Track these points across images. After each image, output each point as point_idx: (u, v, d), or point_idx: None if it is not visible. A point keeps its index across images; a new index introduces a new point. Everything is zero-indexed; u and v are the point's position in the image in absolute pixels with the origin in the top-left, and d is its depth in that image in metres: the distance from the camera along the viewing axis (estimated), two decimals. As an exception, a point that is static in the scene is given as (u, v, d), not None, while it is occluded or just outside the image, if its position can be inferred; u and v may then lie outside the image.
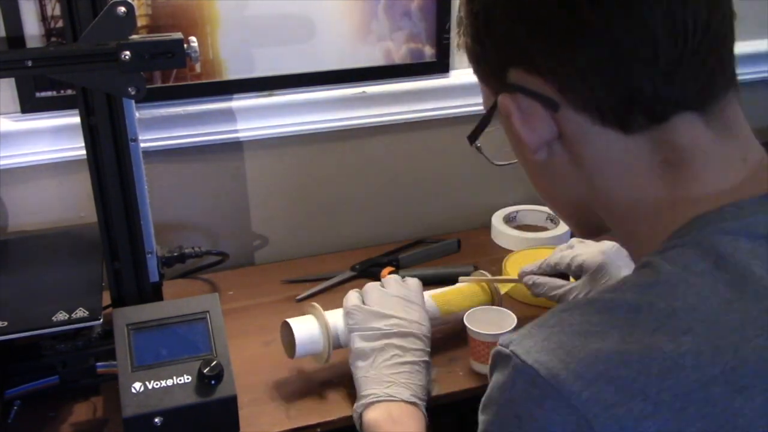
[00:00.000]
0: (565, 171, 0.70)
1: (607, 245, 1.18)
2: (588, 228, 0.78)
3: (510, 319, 1.18)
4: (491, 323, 1.18)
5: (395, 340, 1.06)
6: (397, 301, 1.11)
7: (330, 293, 1.43)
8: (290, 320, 1.14)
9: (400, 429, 0.98)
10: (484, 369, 1.18)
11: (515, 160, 0.78)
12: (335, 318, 1.15)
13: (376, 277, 1.45)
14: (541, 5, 0.64)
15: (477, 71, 0.73)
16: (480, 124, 0.75)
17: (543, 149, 0.69)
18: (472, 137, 0.78)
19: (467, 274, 1.35)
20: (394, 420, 0.99)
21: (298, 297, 1.40)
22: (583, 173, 0.69)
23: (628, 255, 0.75)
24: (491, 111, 0.72)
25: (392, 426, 0.98)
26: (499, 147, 0.82)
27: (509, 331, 1.15)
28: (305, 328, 1.13)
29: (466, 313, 1.19)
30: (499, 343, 0.63)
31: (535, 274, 1.24)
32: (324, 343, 1.13)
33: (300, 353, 1.13)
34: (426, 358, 1.07)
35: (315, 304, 1.17)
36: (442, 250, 1.57)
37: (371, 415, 1.00)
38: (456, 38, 0.75)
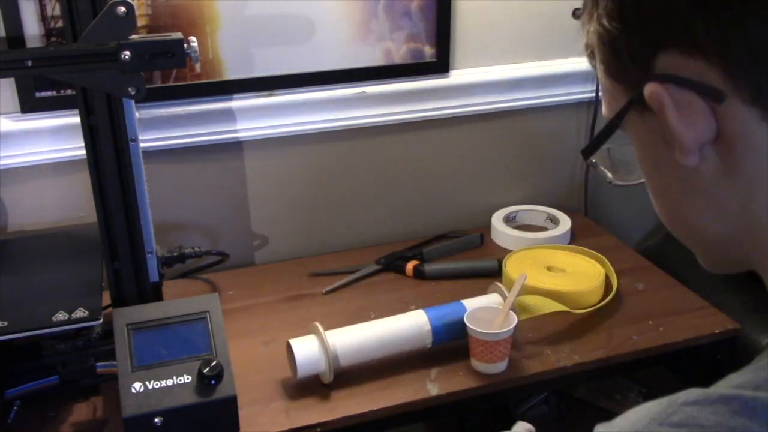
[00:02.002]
0: (714, 185, 0.57)
1: None
2: (725, 263, 0.64)
3: (510, 318, 1.18)
4: (492, 323, 1.18)
5: None
6: None
7: (355, 286, 1.45)
8: (292, 341, 1.15)
9: None
10: (484, 368, 1.18)
11: (638, 180, 0.65)
12: (335, 338, 1.16)
13: (401, 270, 1.47)
14: None
15: (610, 63, 0.60)
16: (603, 133, 0.62)
17: (696, 153, 0.55)
18: (589, 151, 0.65)
19: (491, 269, 1.43)
20: None
21: (326, 289, 1.41)
22: (737, 189, 0.56)
23: None
24: (624, 111, 0.59)
25: None
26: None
27: (508, 330, 1.16)
28: (306, 349, 1.15)
29: (466, 313, 1.19)
30: None
31: None
32: (325, 365, 1.15)
33: (302, 374, 1.14)
34: None
35: (317, 324, 1.17)
36: (465, 244, 1.59)
37: None
38: (586, 25, 0.61)
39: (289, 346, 1.15)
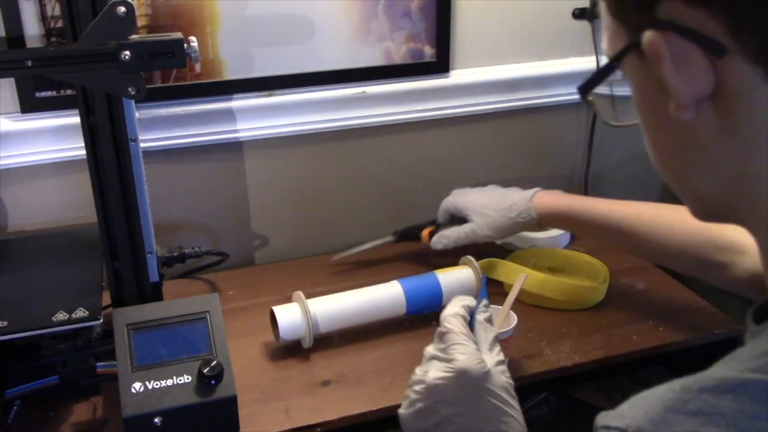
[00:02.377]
0: (709, 139, 0.55)
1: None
2: (714, 215, 0.63)
3: (510, 318, 1.18)
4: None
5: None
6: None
7: (366, 255, 1.50)
8: (275, 308, 1.23)
9: None
10: None
11: (633, 122, 0.64)
12: (315, 305, 1.24)
13: (417, 240, 1.49)
14: None
15: (613, 3, 0.58)
16: (602, 70, 0.60)
17: (691, 107, 0.53)
18: (587, 88, 0.63)
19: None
20: None
21: (333, 259, 1.45)
22: (733, 147, 0.55)
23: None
24: (622, 54, 0.57)
25: None
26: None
27: (509, 330, 1.16)
28: (288, 314, 1.22)
29: None
30: (615, 427, 0.52)
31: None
32: (305, 330, 1.22)
33: (284, 338, 1.22)
34: None
35: (299, 292, 1.25)
36: None
37: None
38: None
39: (272, 312, 1.23)
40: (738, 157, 0.55)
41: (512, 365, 1.20)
